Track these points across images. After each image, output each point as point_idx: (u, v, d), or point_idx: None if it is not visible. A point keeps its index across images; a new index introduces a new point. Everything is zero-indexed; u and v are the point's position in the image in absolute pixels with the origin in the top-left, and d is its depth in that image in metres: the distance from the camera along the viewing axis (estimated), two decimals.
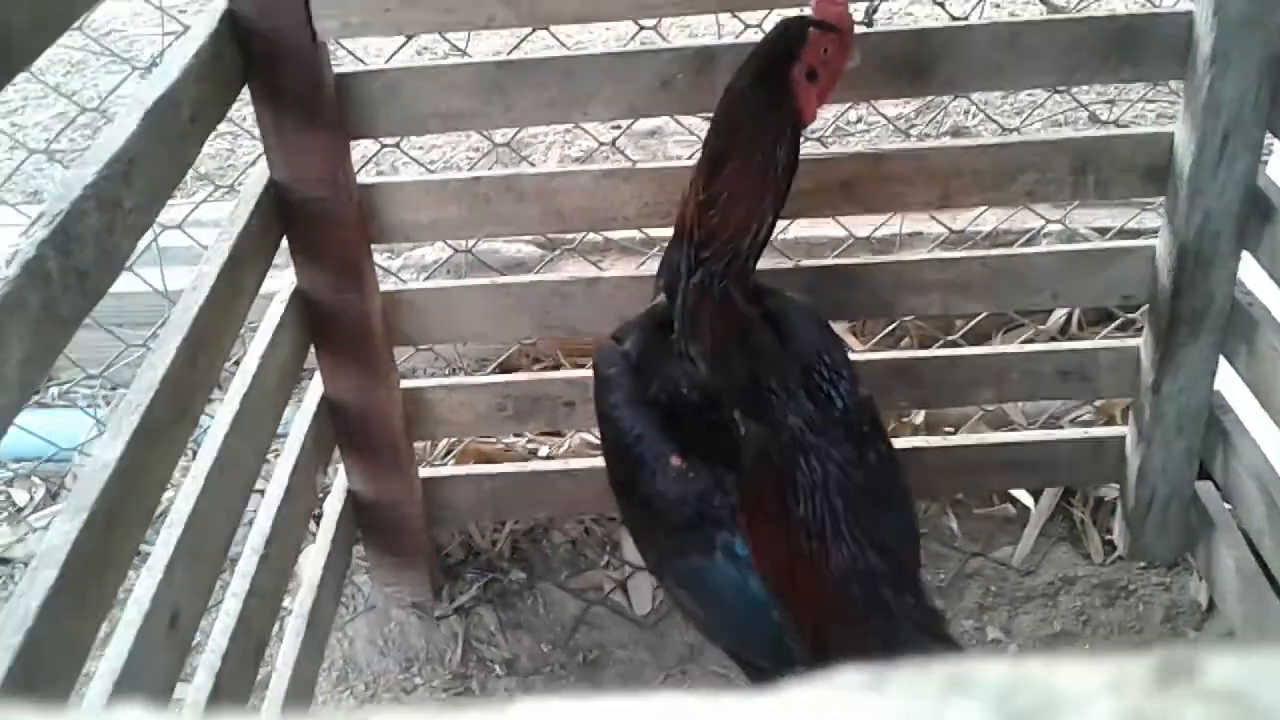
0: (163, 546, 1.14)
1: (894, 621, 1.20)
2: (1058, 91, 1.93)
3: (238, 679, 1.30)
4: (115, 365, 1.96)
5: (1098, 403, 1.95)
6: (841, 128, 2.59)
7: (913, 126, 2.45)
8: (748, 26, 1.52)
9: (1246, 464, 1.60)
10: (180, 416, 1.15)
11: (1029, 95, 2.51)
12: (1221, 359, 1.61)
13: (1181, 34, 1.43)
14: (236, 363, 1.44)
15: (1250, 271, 1.55)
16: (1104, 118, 2.35)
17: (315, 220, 1.49)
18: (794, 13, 1.34)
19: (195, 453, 1.28)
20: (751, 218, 1.30)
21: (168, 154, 1.15)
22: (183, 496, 1.20)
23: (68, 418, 2.18)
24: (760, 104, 1.30)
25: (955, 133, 2.45)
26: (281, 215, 1.49)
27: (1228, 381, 1.64)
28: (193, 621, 1.18)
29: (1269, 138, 1.45)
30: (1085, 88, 2.19)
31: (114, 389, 2.26)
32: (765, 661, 1.31)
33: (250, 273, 1.39)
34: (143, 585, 1.10)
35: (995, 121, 1.92)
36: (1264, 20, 1.37)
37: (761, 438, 1.26)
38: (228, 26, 1.34)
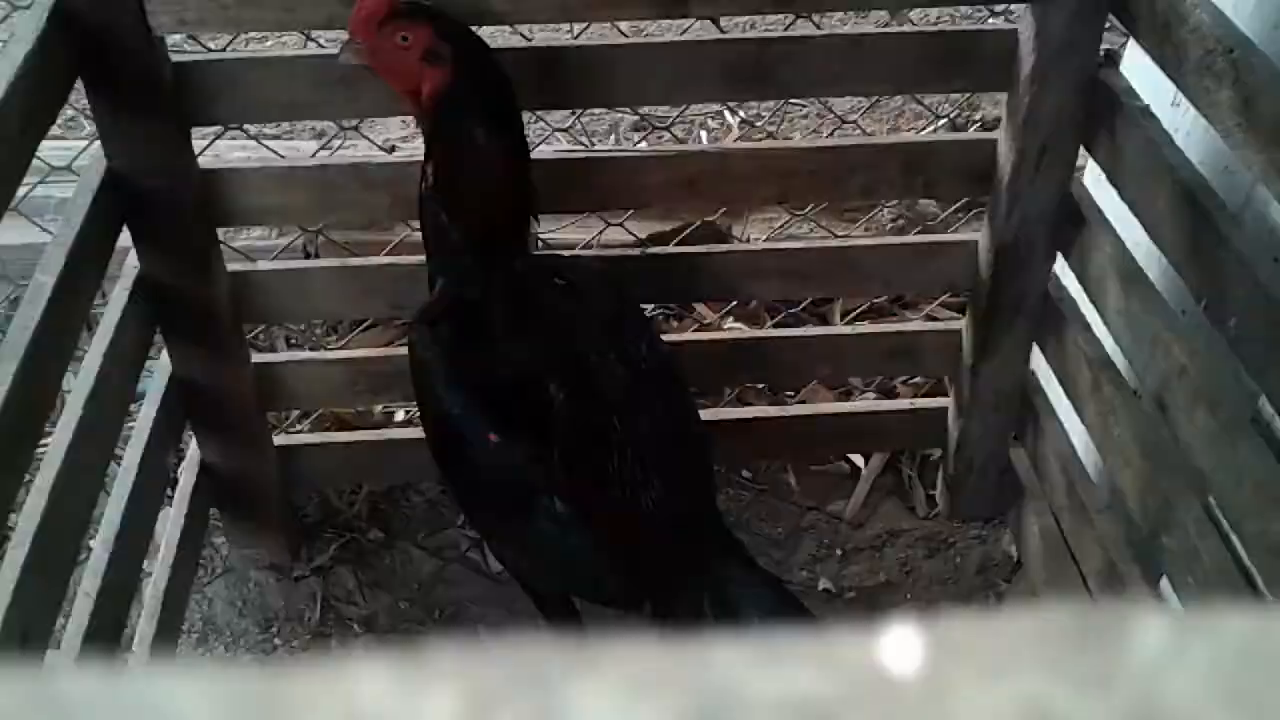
0: (8, 568, 1.16)
1: (702, 548, 1.38)
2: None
3: None
4: None
5: None
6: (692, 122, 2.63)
7: (767, 123, 2.51)
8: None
9: (1052, 443, 1.74)
10: (20, 441, 1.16)
11: None
12: (1034, 347, 1.74)
13: (1007, 51, 1.50)
14: (79, 358, 1.44)
15: (1063, 270, 1.66)
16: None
17: (156, 208, 1.48)
18: None
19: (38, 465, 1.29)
20: (483, 199, 1.38)
21: None
22: (26, 516, 1.21)
23: None
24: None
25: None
26: (121, 204, 1.47)
27: (1041, 365, 1.77)
28: (44, 634, 1.21)
29: (1082, 151, 1.54)
30: None
31: None
32: (590, 601, 1.54)
33: (91, 272, 1.38)
34: None
35: (837, 117, 1.98)
36: (1081, 45, 1.45)
37: (573, 405, 1.36)
38: (57, 23, 1.30)
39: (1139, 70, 1.45)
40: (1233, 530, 1.30)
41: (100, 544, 1.43)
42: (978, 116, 2.60)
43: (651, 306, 2.13)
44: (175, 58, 1.42)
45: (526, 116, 1.90)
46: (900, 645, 0.24)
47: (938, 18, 2.46)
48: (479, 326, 1.41)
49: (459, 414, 1.41)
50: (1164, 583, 1.50)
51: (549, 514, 1.37)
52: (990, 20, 1.83)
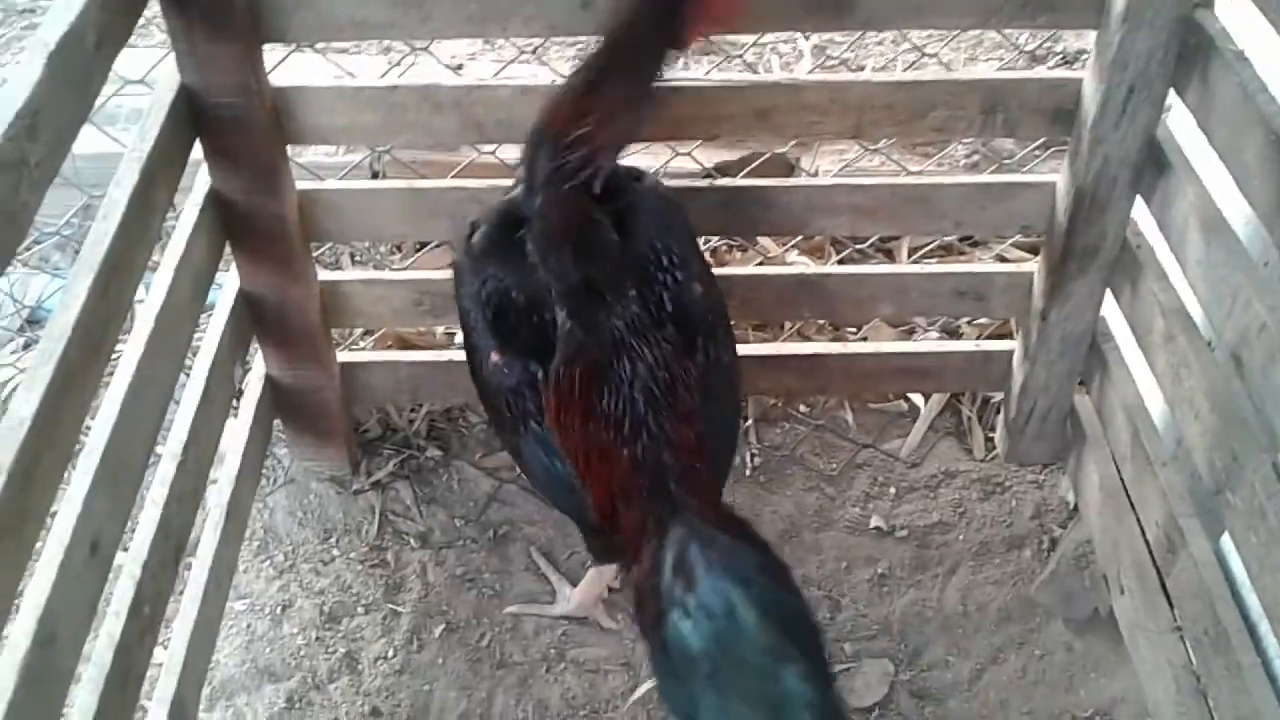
0: (81, 475, 1.19)
1: (674, 512, 1.29)
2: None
3: (157, 581, 1.38)
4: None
5: None
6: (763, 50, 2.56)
7: (842, 50, 2.44)
8: None
9: (1119, 392, 1.71)
10: (95, 354, 1.19)
11: None
12: (1108, 293, 1.70)
13: None
14: (152, 269, 1.46)
15: (1142, 216, 1.61)
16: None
17: (228, 125, 1.48)
18: None
19: (111, 375, 1.31)
20: (622, 131, 1.36)
21: (74, 95, 1.14)
22: (99, 425, 1.24)
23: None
24: (648, 25, 1.33)
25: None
26: (194, 120, 1.47)
27: (1112, 312, 1.73)
28: (113, 544, 1.24)
29: (1171, 94, 1.49)
30: None
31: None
32: (576, 525, 1.55)
33: (163, 188, 1.39)
34: (62, 519, 1.15)
35: (914, 45, 1.92)
36: None
37: (575, 338, 1.36)
38: None
39: (1236, 12, 1.39)
40: None
41: (168, 454, 1.47)
42: (1059, 48, 2.52)
43: (716, 238, 2.11)
44: None
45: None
46: None
47: None
48: (511, 241, 1.40)
49: (473, 326, 1.44)
50: (1225, 539, 1.48)
51: (538, 439, 1.40)
52: None
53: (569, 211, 1.36)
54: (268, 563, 1.89)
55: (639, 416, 1.33)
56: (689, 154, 1.79)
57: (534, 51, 1.79)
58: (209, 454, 1.60)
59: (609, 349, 1.35)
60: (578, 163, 1.33)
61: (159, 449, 1.46)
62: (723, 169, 1.93)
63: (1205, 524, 1.52)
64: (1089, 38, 1.51)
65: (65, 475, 1.14)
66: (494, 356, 1.41)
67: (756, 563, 1.23)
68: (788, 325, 2.03)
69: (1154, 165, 1.54)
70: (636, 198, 1.45)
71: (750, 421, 2.05)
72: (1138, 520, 1.68)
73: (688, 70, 2.42)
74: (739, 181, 1.70)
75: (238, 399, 1.81)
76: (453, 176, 1.73)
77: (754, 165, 1.82)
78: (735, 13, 1.36)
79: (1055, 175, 1.65)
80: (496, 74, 1.74)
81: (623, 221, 1.41)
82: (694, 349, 1.40)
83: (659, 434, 1.33)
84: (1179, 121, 1.54)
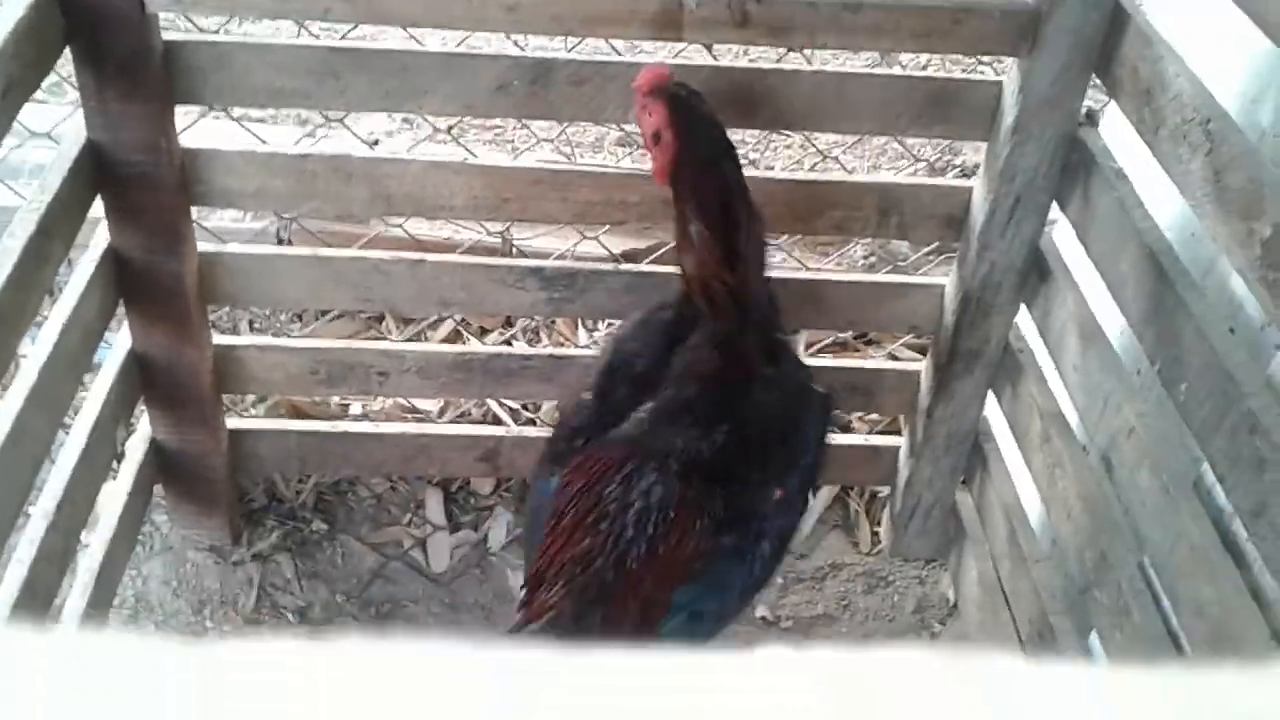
0: None
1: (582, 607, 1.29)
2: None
3: None
4: None
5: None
6: None
7: (750, 149, 2.53)
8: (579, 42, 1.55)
9: (998, 490, 1.77)
10: None
11: None
12: (990, 394, 1.77)
13: (990, 102, 1.53)
14: (38, 324, 1.42)
15: (1024, 321, 1.69)
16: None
17: (134, 183, 1.47)
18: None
19: None
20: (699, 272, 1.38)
21: None
22: None
23: None
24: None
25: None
26: (97, 176, 1.45)
27: (994, 412, 1.80)
28: None
29: (1054, 206, 1.58)
30: None
31: None
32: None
33: (59, 240, 1.37)
34: None
35: (819, 151, 2.01)
36: (1063, 102, 1.48)
37: (635, 429, 1.36)
38: None
39: (1117, 131, 1.49)
40: (1164, 592, 1.33)
41: (39, 512, 1.42)
42: (958, 161, 2.64)
43: (618, 322, 2.14)
44: (165, 35, 1.41)
45: (513, 124, 1.91)
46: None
47: (926, 62, 2.51)
48: (670, 335, 1.43)
49: (605, 361, 1.47)
50: (1093, 637, 1.53)
51: (546, 482, 1.40)
52: (977, 70, 1.87)
53: (733, 362, 1.38)
54: (136, 632, 1.82)
55: (615, 535, 1.30)
56: (596, 238, 1.82)
57: (449, 130, 1.82)
58: (83, 515, 1.54)
59: (651, 458, 1.33)
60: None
61: (29, 507, 1.41)
62: (630, 256, 1.96)
63: (1075, 621, 1.57)
64: (983, 151, 1.60)
65: None
66: (585, 394, 1.45)
67: None
68: None
69: (1037, 273, 1.62)
70: (799, 388, 1.44)
71: None
72: (1012, 617, 1.72)
73: (600, 157, 2.48)
74: (642, 267, 1.73)
75: (118, 461, 1.76)
76: (359, 247, 1.73)
77: (660, 253, 1.85)
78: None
79: (945, 279, 1.73)
80: (410, 149, 1.76)
81: (766, 395, 1.40)
82: (722, 534, 1.33)
83: (616, 562, 1.29)
84: (1061, 232, 1.63)
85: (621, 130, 2.44)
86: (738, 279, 1.34)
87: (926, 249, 2.17)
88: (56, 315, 1.41)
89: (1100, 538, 1.43)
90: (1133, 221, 1.37)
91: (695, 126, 1.34)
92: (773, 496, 1.37)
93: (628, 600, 1.29)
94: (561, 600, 1.29)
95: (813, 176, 1.68)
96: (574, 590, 1.29)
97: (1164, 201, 1.41)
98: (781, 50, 1.59)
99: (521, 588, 1.43)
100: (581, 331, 2.24)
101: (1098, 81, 1.46)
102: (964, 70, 1.96)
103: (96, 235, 1.54)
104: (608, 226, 1.73)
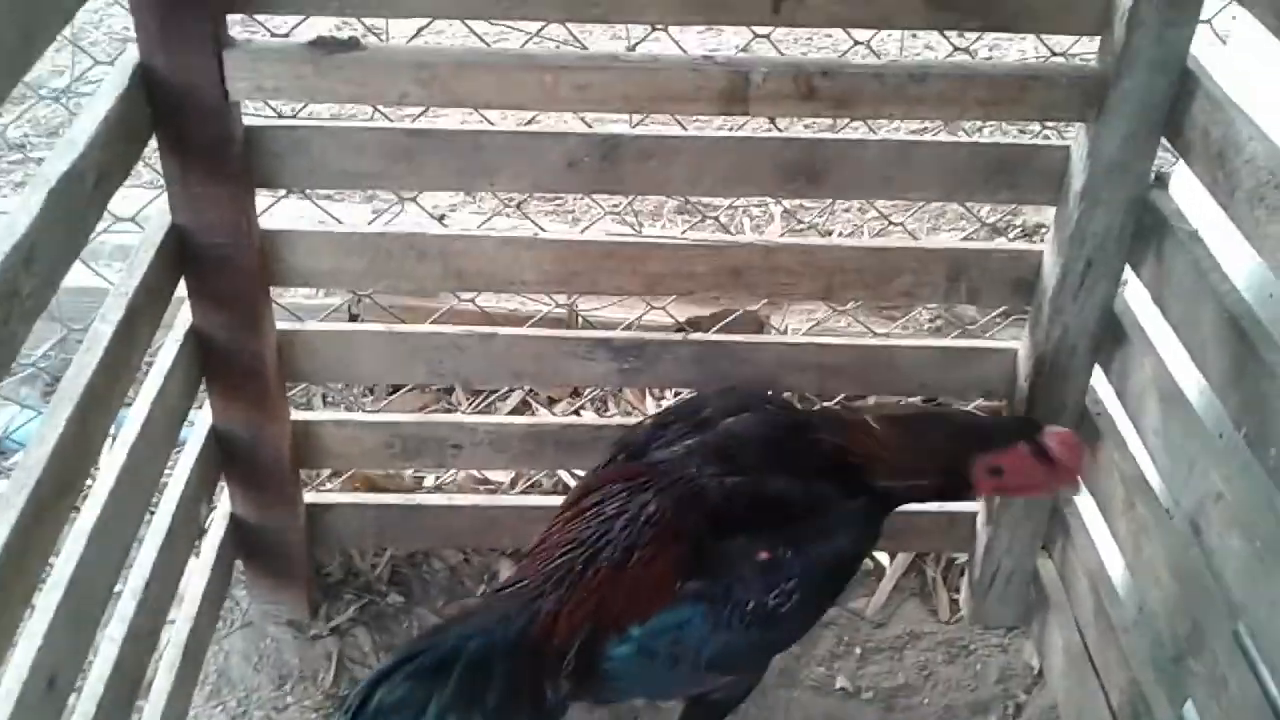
0: (42, 611, 1.17)
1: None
2: None
3: None
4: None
5: None
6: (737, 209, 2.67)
7: (811, 214, 2.55)
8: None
9: (1081, 557, 1.73)
10: (67, 486, 1.18)
11: None
12: None
13: (1058, 167, 1.53)
14: (126, 404, 1.46)
15: (1101, 385, 1.66)
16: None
17: (215, 265, 1.51)
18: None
19: (79, 508, 1.30)
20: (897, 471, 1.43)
21: (69, 232, 1.16)
22: (65, 557, 1.23)
23: None
24: (949, 439, 1.43)
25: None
26: (181, 259, 1.50)
27: None
28: (70, 680, 1.21)
29: (1127, 269, 1.56)
30: None
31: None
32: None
33: (146, 323, 1.41)
34: (21, 651, 1.13)
35: (880, 214, 2.01)
36: (1132, 165, 1.47)
37: (660, 458, 1.41)
38: (139, 81, 1.34)
39: (1189, 192, 1.48)
40: (1262, 660, 1.29)
41: (129, 591, 1.44)
42: (1019, 221, 2.63)
43: (686, 391, 2.15)
44: (246, 120, 1.46)
45: (581, 203, 1.93)
46: None
47: (984, 126, 2.51)
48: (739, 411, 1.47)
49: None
50: (1188, 707, 1.48)
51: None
52: (1043, 135, 1.87)
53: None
54: (220, 708, 1.84)
55: (602, 532, 1.36)
56: (663, 308, 1.83)
57: (517, 205, 1.85)
58: (170, 593, 1.57)
59: (658, 479, 1.38)
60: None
61: (119, 586, 1.44)
62: (695, 323, 1.97)
63: (1168, 690, 1.53)
64: (1048, 213, 1.59)
65: (28, 608, 1.12)
66: (647, 421, 1.52)
67: None
68: None
69: (1112, 337, 1.60)
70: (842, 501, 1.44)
71: None
72: (1102, 686, 1.68)
73: (661, 224, 2.51)
74: (711, 336, 1.74)
75: (199, 538, 1.79)
76: (431, 322, 1.76)
77: (726, 321, 1.87)
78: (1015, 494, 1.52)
79: (1016, 342, 1.71)
80: (480, 225, 1.79)
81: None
82: (689, 576, 1.35)
83: (589, 562, 1.35)
84: (1136, 295, 1.61)
85: (682, 200, 2.46)
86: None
87: (994, 312, 2.15)
88: (144, 396, 1.45)
89: (1191, 605, 1.39)
90: (1210, 284, 1.35)
91: None
92: (755, 557, 1.35)
93: (587, 599, 1.34)
94: (532, 572, 1.37)
95: (881, 243, 1.68)
96: (545, 568, 1.36)
97: (1241, 262, 1.39)
98: (845, 120, 1.60)
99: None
100: (650, 401, 2.25)
101: (1166, 143, 1.45)
102: (1022, 131, 1.95)
103: (180, 316, 1.58)
104: (674, 297, 1.74)
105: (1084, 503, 1.76)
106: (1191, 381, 1.45)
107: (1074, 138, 1.50)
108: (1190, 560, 1.41)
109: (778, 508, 1.37)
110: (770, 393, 1.58)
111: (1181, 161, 1.44)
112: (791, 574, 1.36)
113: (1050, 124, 1.69)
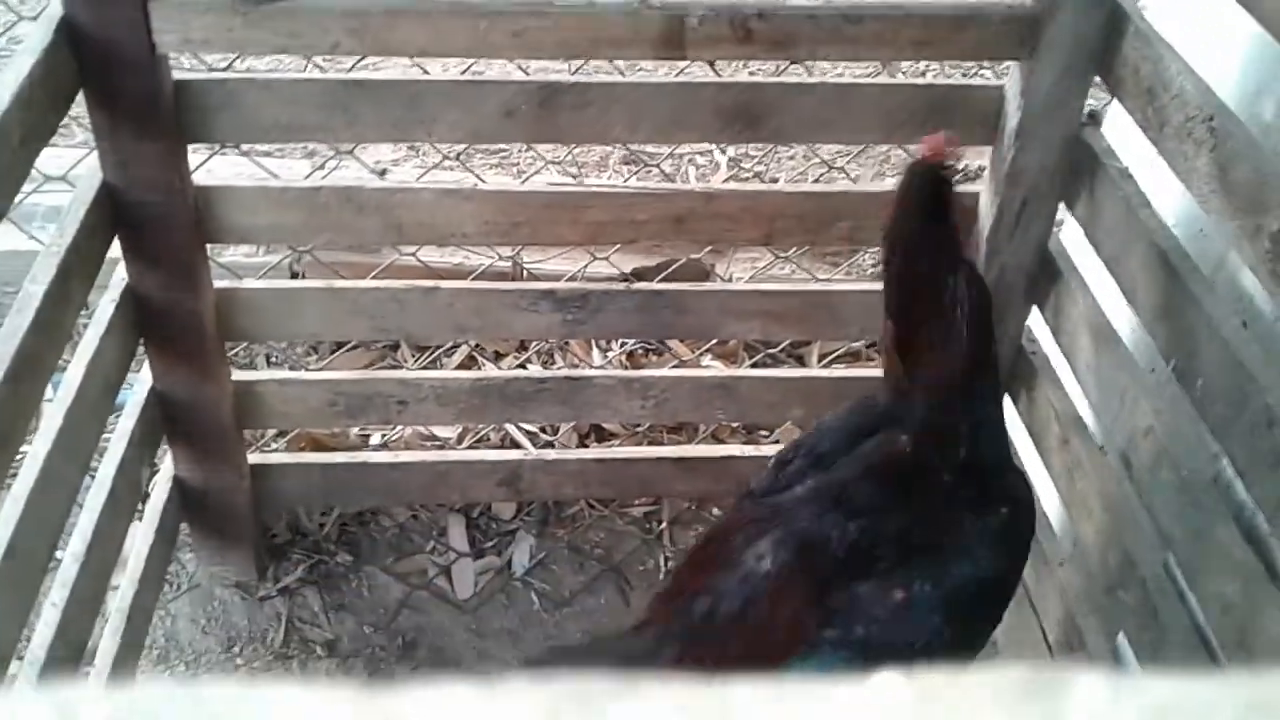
0: None
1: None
2: None
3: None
4: None
5: None
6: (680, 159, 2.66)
7: (755, 162, 2.54)
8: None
9: None
10: (3, 451, 1.16)
11: None
12: (1006, 398, 1.77)
13: (992, 107, 1.54)
14: (61, 368, 1.44)
15: (1037, 324, 1.69)
16: None
17: (149, 223, 1.49)
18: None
19: (15, 474, 1.29)
20: (956, 363, 1.27)
21: None
22: (2, 522, 1.21)
23: None
24: (929, 247, 1.29)
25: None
26: (114, 218, 1.47)
27: (1011, 416, 1.80)
28: (9, 648, 1.20)
29: (1062, 208, 1.59)
30: None
31: None
32: None
33: (80, 283, 1.38)
34: None
35: (823, 161, 2.02)
36: (1066, 103, 1.49)
37: (780, 501, 1.32)
38: (63, 35, 1.31)
39: (1120, 130, 1.50)
40: (1189, 589, 1.33)
41: (70, 555, 1.43)
42: (960, 166, 2.65)
43: (631, 341, 2.16)
44: (175, 75, 1.43)
45: (519, 147, 1.91)
46: (886, 690, 0.28)
47: (925, 69, 2.52)
48: (859, 427, 1.37)
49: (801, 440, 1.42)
50: (1121, 637, 1.53)
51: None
52: (978, 76, 1.88)
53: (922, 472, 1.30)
54: (168, 672, 1.83)
55: (720, 586, 1.27)
56: (607, 258, 1.83)
57: (457, 157, 1.83)
58: (112, 557, 1.56)
59: (776, 526, 1.29)
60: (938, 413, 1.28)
61: (60, 551, 1.42)
62: (640, 273, 1.98)
63: (1101, 621, 1.57)
64: (987, 155, 1.61)
65: None
66: (770, 461, 1.41)
67: None
68: (702, 428, 2.06)
69: (1047, 275, 1.62)
70: (1002, 501, 1.32)
71: (664, 525, 2.07)
72: (1038, 618, 1.72)
73: (606, 176, 2.50)
74: (655, 285, 1.74)
75: (143, 501, 1.77)
76: (372, 277, 1.75)
77: (670, 270, 1.87)
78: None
79: None
80: (420, 178, 1.78)
81: (972, 506, 1.30)
82: (825, 626, 1.25)
83: (708, 618, 1.27)
84: (1070, 233, 1.63)
85: (626, 149, 2.45)
86: (916, 369, 1.28)
87: None
88: (79, 358, 1.43)
89: (1123, 537, 1.43)
90: (1140, 220, 1.37)
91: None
92: (892, 599, 1.25)
93: (703, 657, 1.25)
94: (659, 616, 1.30)
95: (820, 188, 1.69)
96: (672, 614, 1.29)
97: (1170, 198, 1.42)
98: (782, 63, 1.60)
99: None
100: (595, 352, 2.25)
101: (1099, 81, 1.47)
102: (964, 74, 1.97)
103: (115, 276, 1.56)
104: (618, 246, 1.74)
105: (1020, 440, 1.79)
106: (1123, 318, 1.48)
107: (1008, 76, 1.52)
108: (1122, 494, 1.45)
109: (904, 543, 1.28)
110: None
111: (1113, 100, 1.46)
112: (935, 609, 1.26)
113: (986, 64, 1.70)
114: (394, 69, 1.66)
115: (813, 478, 1.34)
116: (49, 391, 1.39)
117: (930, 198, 1.29)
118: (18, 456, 1.24)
